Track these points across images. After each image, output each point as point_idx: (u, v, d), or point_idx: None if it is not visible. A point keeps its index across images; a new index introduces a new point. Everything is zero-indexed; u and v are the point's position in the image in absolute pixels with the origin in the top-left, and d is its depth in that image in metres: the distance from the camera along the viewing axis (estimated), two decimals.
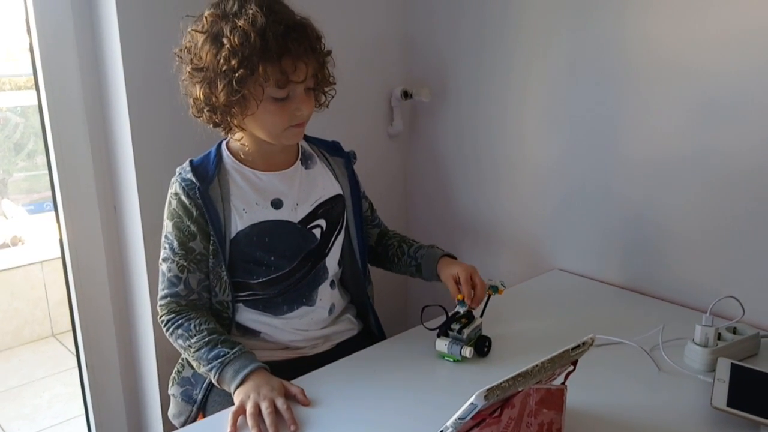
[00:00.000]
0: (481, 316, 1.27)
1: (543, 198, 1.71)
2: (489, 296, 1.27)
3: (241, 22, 1.09)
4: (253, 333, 1.29)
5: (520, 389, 0.86)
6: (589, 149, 1.58)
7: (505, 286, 1.27)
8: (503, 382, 0.80)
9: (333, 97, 1.29)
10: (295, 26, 1.12)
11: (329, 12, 1.73)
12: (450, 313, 1.24)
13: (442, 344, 1.21)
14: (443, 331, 1.22)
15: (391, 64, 1.95)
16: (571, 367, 0.96)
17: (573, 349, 0.90)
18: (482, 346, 1.23)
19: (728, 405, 1.00)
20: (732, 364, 1.12)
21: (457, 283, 1.28)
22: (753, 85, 1.29)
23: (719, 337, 1.20)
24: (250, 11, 1.09)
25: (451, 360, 1.21)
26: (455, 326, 1.22)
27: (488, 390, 0.78)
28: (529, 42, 1.65)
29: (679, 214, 1.45)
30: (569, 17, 1.55)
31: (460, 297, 1.25)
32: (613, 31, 1.48)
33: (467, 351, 1.19)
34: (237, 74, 1.09)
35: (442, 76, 1.89)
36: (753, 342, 1.22)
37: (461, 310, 1.24)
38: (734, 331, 1.23)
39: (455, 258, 1.39)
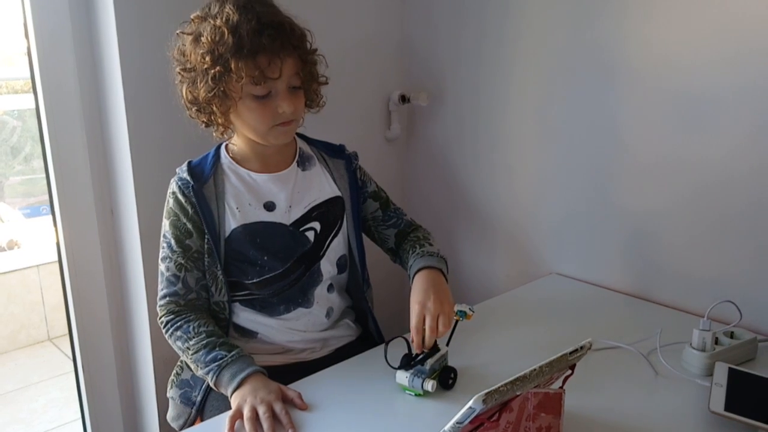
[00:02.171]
0: (447, 344, 1.18)
1: (541, 202, 1.72)
2: (456, 322, 1.17)
3: (217, 21, 1.12)
4: (250, 334, 1.29)
5: (518, 393, 0.86)
6: (587, 154, 1.59)
7: (473, 311, 1.18)
8: (501, 385, 0.80)
9: (323, 97, 1.30)
10: (271, 24, 1.14)
11: (326, 16, 1.74)
12: (410, 340, 1.14)
13: (402, 376, 1.12)
14: (405, 362, 1.14)
15: (388, 68, 1.96)
16: (569, 371, 0.96)
17: (571, 353, 0.90)
18: (447, 378, 1.14)
19: (726, 409, 1.00)
20: (729, 368, 1.12)
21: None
22: (749, 90, 1.29)
23: (717, 341, 1.21)
24: (226, 10, 1.13)
25: (413, 394, 1.13)
26: (417, 356, 1.13)
27: (486, 394, 0.78)
28: (527, 47, 1.66)
29: (677, 219, 1.45)
30: (568, 21, 1.56)
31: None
32: (613, 35, 1.48)
33: (429, 384, 1.10)
34: (212, 71, 1.13)
35: (440, 80, 1.89)
36: (750, 346, 1.23)
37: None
38: (731, 335, 1.24)
39: (440, 270, 1.27)
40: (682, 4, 1.35)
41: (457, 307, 1.17)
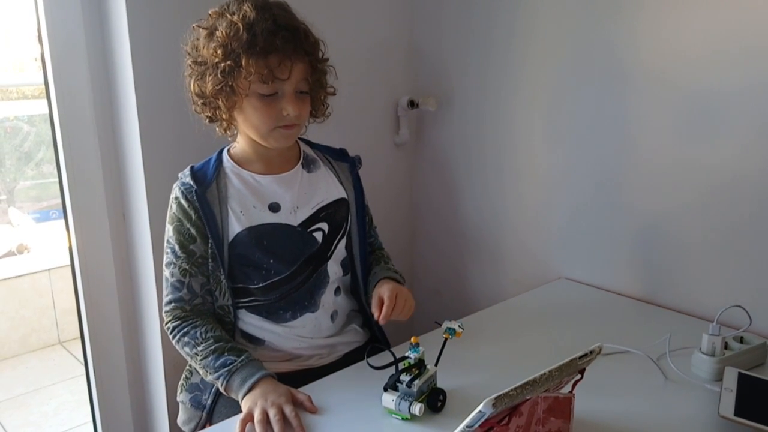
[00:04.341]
0: (436, 364, 1.12)
1: (549, 206, 1.72)
2: (445, 340, 1.12)
3: (234, 18, 1.14)
4: (257, 341, 1.30)
5: (528, 397, 0.86)
6: (595, 158, 1.59)
7: (463, 329, 1.12)
8: (511, 390, 0.81)
9: (330, 107, 1.31)
10: (287, 26, 1.16)
11: (338, 22, 1.75)
12: (398, 358, 1.09)
13: (389, 399, 1.07)
14: (391, 384, 1.08)
15: (397, 73, 1.97)
16: (579, 376, 0.97)
17: (580, 357, 0.91)
18: (435, 401, 1.08)
19: (736, 414, 1.00)
20: (739, 373, 1.12)
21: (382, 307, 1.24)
22: (759, 91, 1.29)
23: (726, 346, 1.20)
24: (244, 8, 1.15)
25: (400, 418, 1.07)
26: (404, 378, 1.06)
27: (496, 398, 0.78)
28: (535, 52, 1.66)
29: (686, 223, 1.45)
30: (577, 25, 1.56)
31: (414, 340, 1.10)
32: (622, 39, 1.49)
33: (417, 408, 1.04)
34: (223, 65, 1.14)
35: (448, 85, 1.90)
36: (760, 351, 1.22)
37: (412, 355, 1.08)
38: (741, 340, 1.23)
39: (399, 282, 1.35)
40: (692, 6, 1.36)
41: (446, 325, 1.12)
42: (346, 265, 1.37)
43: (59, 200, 1.62)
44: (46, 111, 1.56)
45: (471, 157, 1.89)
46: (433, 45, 1.92)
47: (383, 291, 1.26)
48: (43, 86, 1.54)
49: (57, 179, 1.61)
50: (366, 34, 1.86)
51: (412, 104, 1.94)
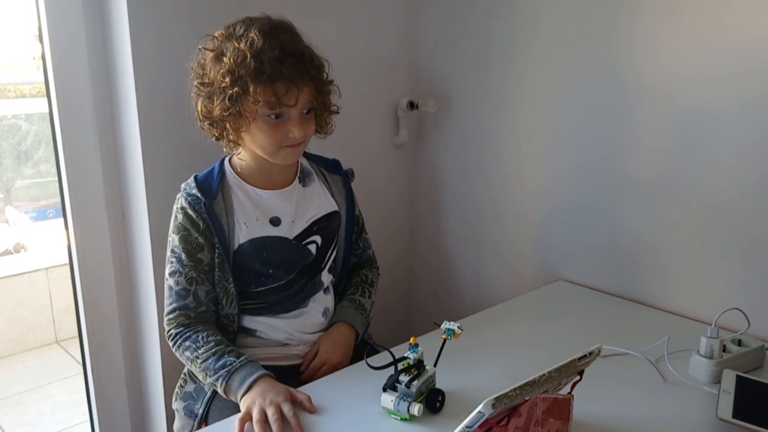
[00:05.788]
0: (435, 365, 1.12)
1: (548, 208, 1.72)
2: (444, 341, 1.11)
3: (241, 44, 1.14)
4: (250, 331, 1.32)
5: (527, 398, 0.86)
6: (595, 161, 1.59)
7: (462, 329, 1.10)
8: (510, 390, 0.81)
9: (333, 125, 1.34)
10: (293, 53, 1.16)
11: (339, 24, 1.75)
12: (397, 358, 1.09)
13: (388, 400, 1.07)
14: (390, 384, 1.09)
15: (397, 75, 1.97)
16: (578, 377, 0.97)
17: (580, 359, 0.91)
18: (434, 401, 1.09)
19: (734, 416, 1.01)
20: (737, 375, 1.12)
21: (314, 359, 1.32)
22: (756, 104, 1.30)
23: (724, 348, 1.21)
24: (251, 34, 1.15)
25: (399, 419, 1.08)
26: (404, 378, 1.07)
27: (496, 398, 0.79)
28: (534, 54, 1.66)
29: (685, 226, 1.45)
30: (577, 35, 1.56)
31: (413, 341, 1.10)
32: (621, 50, 1.49)
33: (416, 408, 1.05)
34: (230, 91, 1.15)
35: (448, 87, 1.90)
36: (758, 354, 1.23)
37: (411, 356, 1.09)
38: (739, 343, 1.24)
39: (356, 330, 1.38)
40: (690, 21, 1.36)
41: (445, 326, 1.11)
42: (335, 270, 1.41)
43: (57, 199, 1.62)
44: (44, 110, 1.56)
45: (470, 158, 1.89)
46: (433, 47, 1.92)
47: (323, 349, 1.32)
48: (42, 85, 1.54)
49: (55, 178, 1.61)
50: (367, 36, 1.86)
51: (412, 106, 1.94)
